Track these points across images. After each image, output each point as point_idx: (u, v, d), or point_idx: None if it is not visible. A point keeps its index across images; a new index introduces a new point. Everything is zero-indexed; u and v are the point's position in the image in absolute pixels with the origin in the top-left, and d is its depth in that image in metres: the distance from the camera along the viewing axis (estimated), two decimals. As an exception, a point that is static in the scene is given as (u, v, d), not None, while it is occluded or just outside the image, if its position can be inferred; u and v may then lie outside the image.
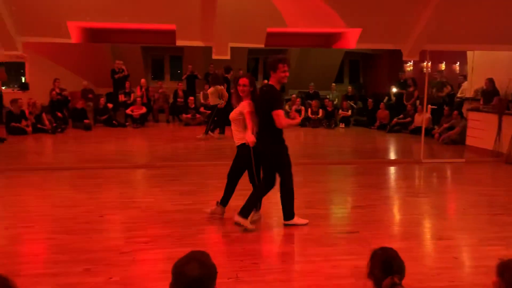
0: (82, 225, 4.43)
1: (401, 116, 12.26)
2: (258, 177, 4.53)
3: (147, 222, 4.56)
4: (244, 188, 5.84)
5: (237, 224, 4.33)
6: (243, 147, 4.45)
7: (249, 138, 4.33)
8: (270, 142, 4.29)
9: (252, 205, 4.39)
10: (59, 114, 11.62)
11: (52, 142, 9.98)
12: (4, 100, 11.72)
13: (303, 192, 5.81)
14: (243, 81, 4.41)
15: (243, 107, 4.39)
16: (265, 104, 4.24)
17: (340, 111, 13.45)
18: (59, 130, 10.92)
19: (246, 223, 4.30)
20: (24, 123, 10.55)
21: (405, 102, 12.54)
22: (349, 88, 14.76)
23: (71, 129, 11.50)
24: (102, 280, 3.27)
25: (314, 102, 13.34)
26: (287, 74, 4.23)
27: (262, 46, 7.34)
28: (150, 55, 16.07)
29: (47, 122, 10.88)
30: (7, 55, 8.49)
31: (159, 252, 3.84)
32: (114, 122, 12.13)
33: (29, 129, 10.51)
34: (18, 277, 2.94)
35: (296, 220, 4.50)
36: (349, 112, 13.36)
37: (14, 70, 14.59)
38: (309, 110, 13.25)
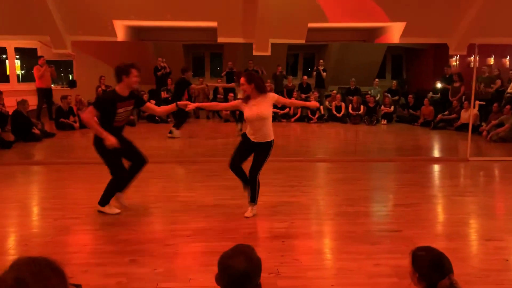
0: (128, 218, 4.58)
1: (446, 112, 11.85)
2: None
3: (189, 215, 4.65)
4: (283, 185, 5.87)
5: (101, 212, 4.64)
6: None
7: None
8: (99, 138, 4.41)
9: (109, 195, 4.61)
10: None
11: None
12: (54, 97, 12.25)
13: (345, 189, 5.75)
14: (242, 80, 4.46)
15: (273, 98, 4.49)
16: None
17: (382, 107, 13.16)
18: (105, 125, 11.30)
19: (108, 209, 4.62)
20: (72, 118, 11.00)
21: (450, 98, 12.10)
22: (394, 82, 14.43)
23: (116, 124, 11.87)
24: (148, 271, 3.37)
25: (355, 98, 13.12)
26: (138, 79, 4.50)
27: (303, 41, 7.29)
28: (191, 53, 16.32)
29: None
30: (57, 54, 8.86)
31: (201, 245, 3.91)
32: (156, 118, 12.41)
33: (77, 124, 10.94)
34: (68, 266, 3.08)
35: (107, 209, 4.64)
36: (391, 108, 13.05)
37: (62, 68, 15.25)
38: (350, 106, 13.04)
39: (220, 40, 7.30)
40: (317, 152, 8.93)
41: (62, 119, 10.81)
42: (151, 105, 5.13)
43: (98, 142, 4.45)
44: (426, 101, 12.54)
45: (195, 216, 4.63)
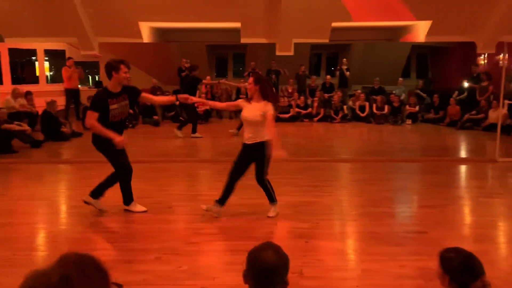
0: (153, 216, 4.66)
1: (474, 112, 11.58)
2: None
3: (213, 215, 4.69)
4: (305, 184, 5.86)
5: (128, 210, 4.77)
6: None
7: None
8: (99, 138, 4.56)
9: (128, 192, 4.78)
10: (130, 111, 12.21)
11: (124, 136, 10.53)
12: (81, 97, 12.54)
13: (368, 189, 5.70)
14: (250, 79, 4.46)
15: (265, 108, 4.38)
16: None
17: (407, 106, 12.97)
18: (130, 125, 11.51)
19: (133, 207, 4.77)
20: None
21: (478, 97, 11.82)
22: (420, 82, 14.23)
23: (141, 124, 12.07)
24: (172, 268, 3.42)
25: (379, 98, 12.98)
26: (128, 75, 4.50)
27: (326, 41, 7.25)
28: (214, 53, 16.44)
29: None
30: (84, 55, 9.06)
31: (225, 244, 3.95)
32: (180, 118, 12.55)
33: (103, 124, 11.15)
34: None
35: (133, 207, 4.77)
36: (417, 108, 12.85)
37: (89, 69, 15.61)
38: (374, 105, 12.90)
39: (244, 40, 7.33)
40: (340, 152, 8.87)
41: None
42: (147, 94, 5.13)
43: (98, 141, 4.60)
44: (452, 100, 12.30)
45: (219, 215, 4.67)
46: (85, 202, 4.75)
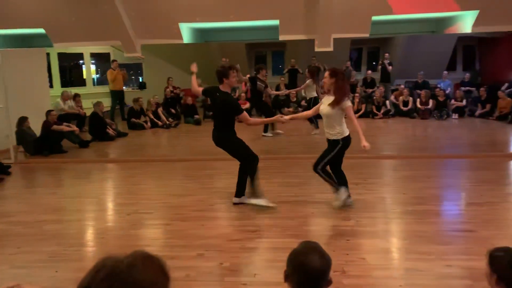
0: (195, 213, 4.75)
1: (526, 105, 10.99)
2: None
3: (254, 212, 4.72)
4: (349, 182, 5.76)
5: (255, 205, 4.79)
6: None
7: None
8: (229, 136, 4.90)
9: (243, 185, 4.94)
10: (172, 110, 12.51)
11: (167, 136, 10.80)
12: (126, 99, 12.94)
13: (413, 187, 5.54)
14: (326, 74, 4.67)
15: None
16: (227, 109, 4.80)
17: (453, 101, 12.48)
18: (173, 125, 11.76)
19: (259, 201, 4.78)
20: (143, 119, 11.57)
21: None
22: (467, 75, 13.66)
23: (183, 124, 12.31)
24: (214, 265, 3.47)
25: (423, 92, 12.57)
26: (237, 78, 5.00)
27: (366, 35, 7.11)
28: (253, 51, 16.50)
29: (163, 118, 11.77)
30: (128, 57, 9.35)
31: (265, 242, 3.97)
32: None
33: (148, 124, 11.47)
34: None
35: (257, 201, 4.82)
36: (463, 102, 12.34)
37: (133, 71, 16.09)
38: (418, 100, 12.51)
39: (282, 37, 7.32)
40: (383, 148, 8.65)
41: (133, 119, 11.39)
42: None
43: (227, 138, 4.93)
44: (500, 93, 11.72)
45: (260, 213, 4.69)
46: (235, 204, 4.98)
